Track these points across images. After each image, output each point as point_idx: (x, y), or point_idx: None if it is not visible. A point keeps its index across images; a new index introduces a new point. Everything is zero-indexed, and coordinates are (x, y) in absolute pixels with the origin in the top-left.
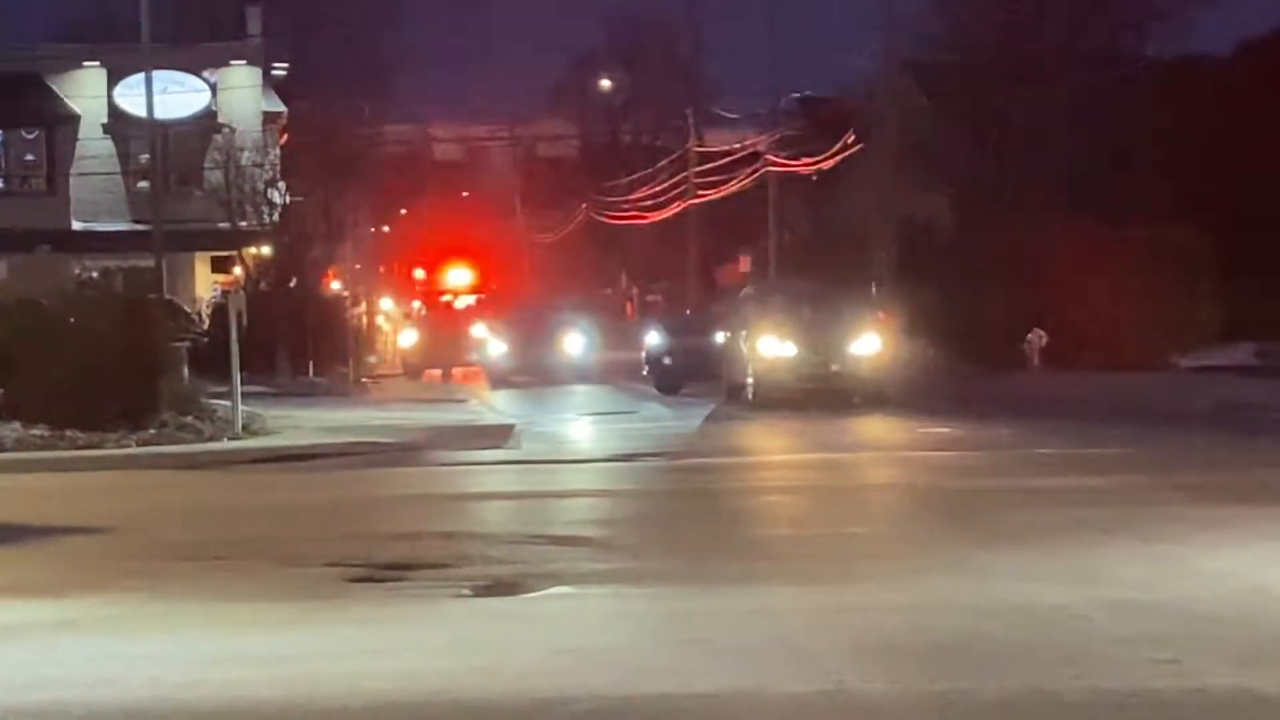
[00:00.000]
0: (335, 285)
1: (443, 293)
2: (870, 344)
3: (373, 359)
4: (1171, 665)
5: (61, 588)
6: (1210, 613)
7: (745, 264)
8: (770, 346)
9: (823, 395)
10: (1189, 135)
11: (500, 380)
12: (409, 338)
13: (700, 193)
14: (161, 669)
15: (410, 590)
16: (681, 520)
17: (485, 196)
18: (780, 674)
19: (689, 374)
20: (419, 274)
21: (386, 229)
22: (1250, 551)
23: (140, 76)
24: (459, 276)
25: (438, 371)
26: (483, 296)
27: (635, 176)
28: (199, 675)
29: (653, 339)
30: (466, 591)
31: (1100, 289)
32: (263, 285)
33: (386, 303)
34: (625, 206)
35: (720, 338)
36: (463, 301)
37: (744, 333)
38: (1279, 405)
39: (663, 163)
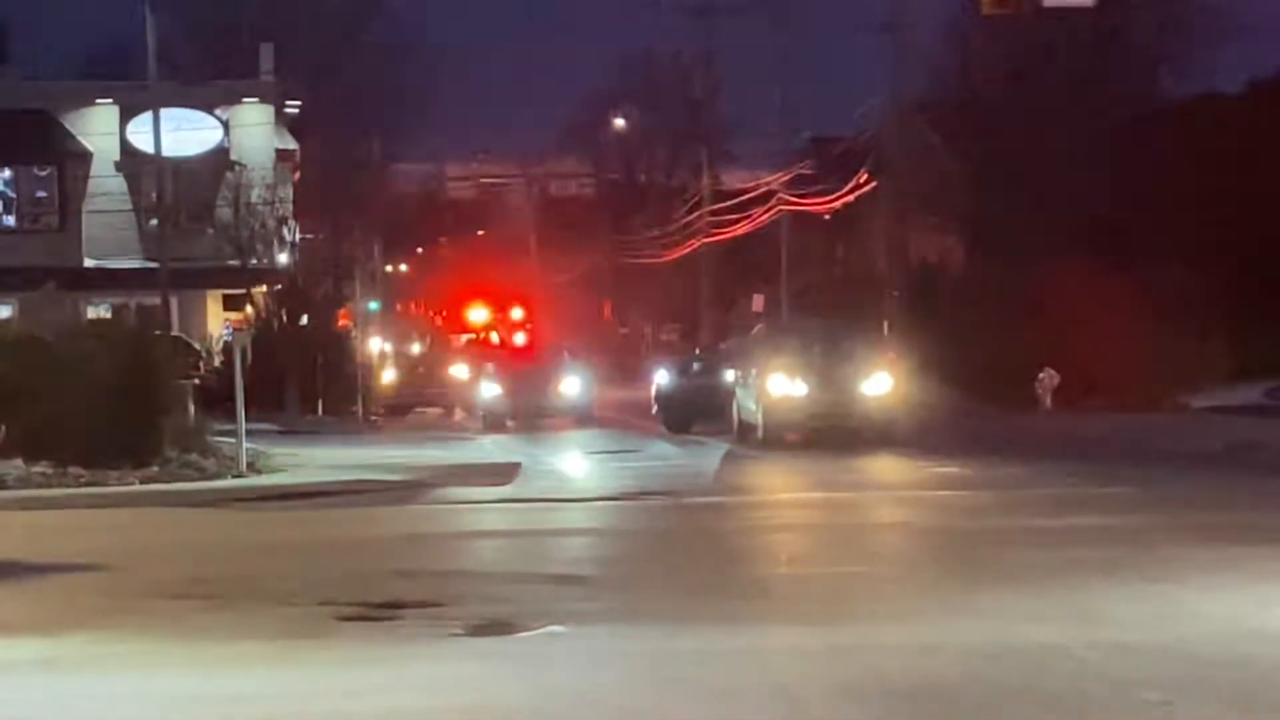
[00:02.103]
0: (350, 324)
1: (457, 332)
2: (881, 383)
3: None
4: (1164, 708)
5: (48, 625)
6: (1207, 655)
7: (759, 303)
8: (780, 385)
9: (833, 434)
10: (1200, 175)
11: (497, 421)
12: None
13: (714, 231)
14: (139, 708)
15: (402, 629)
16: (681, 559)
17: (501, 236)
18: (769, 715)
19: (698, 413)
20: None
21: (404, 268)
22: (1252, 593)
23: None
24: (474, 316)
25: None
26: (497, 335)
27: (650, 216)
28: (177, 714)
29: (662, 378)
30: (459, 630)
31: (1111, 329)
32: (273, 323)
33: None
34: (640, 245)
35: (730, 376)
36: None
37: (754, 371)
38: None
39: (677, 202)
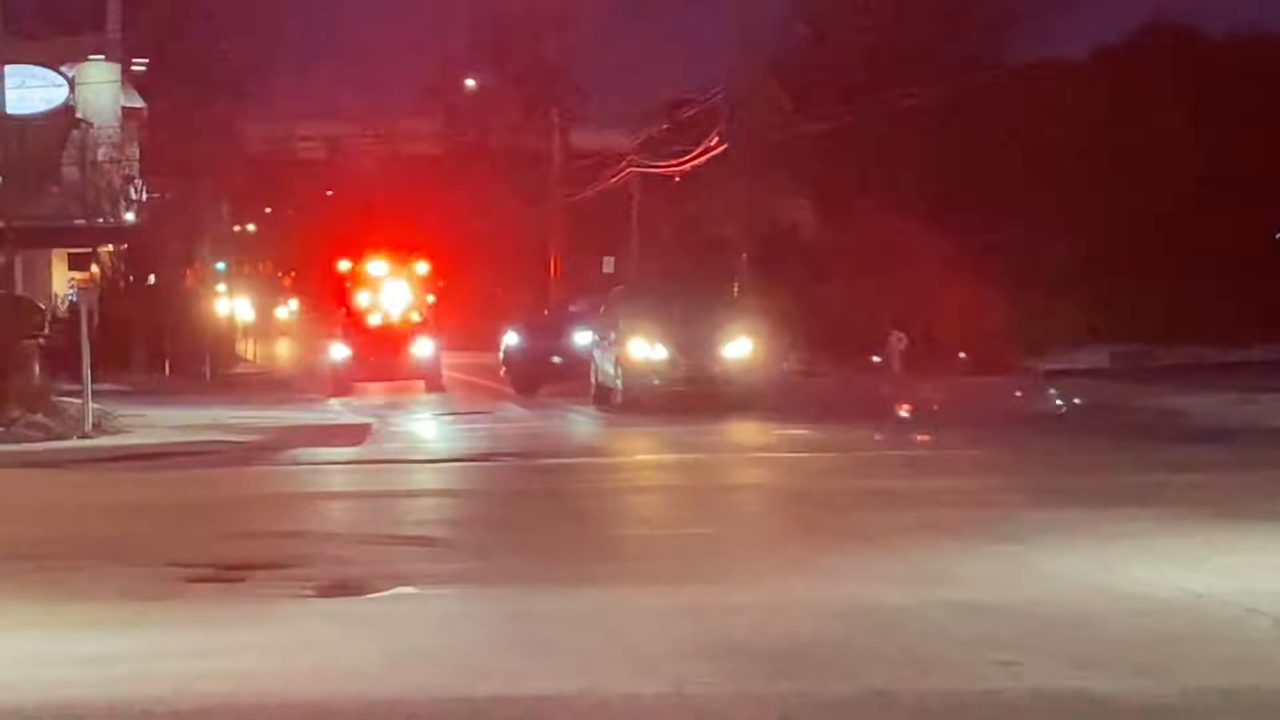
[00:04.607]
0: (200, 284)
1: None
2: (741, 347)
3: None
4: (1011, 667)
5: None
6: (1051, 614)
7: (609, 265)
8: (641, 349)
9: (693, 398)
10: (1048, 139)
11: (347, 383)
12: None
13: (566, 194)
14: None
15: (251, 590)
16: (532, 521)
17: (350, 196)
18: (619, 675)
19: (547, 375)
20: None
21: (251, 228)
22: (1096, 554)
23: None
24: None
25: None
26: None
27: (502, 177)
28: (24, 675)
29: (510, 339)
30: (308, 591)
31: (960, 293)
32: (120, 283)
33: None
34: (492, 207)
35: (580, 338)
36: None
37: (612, 334)
38: (1130, 407)
39: (528, 164)
